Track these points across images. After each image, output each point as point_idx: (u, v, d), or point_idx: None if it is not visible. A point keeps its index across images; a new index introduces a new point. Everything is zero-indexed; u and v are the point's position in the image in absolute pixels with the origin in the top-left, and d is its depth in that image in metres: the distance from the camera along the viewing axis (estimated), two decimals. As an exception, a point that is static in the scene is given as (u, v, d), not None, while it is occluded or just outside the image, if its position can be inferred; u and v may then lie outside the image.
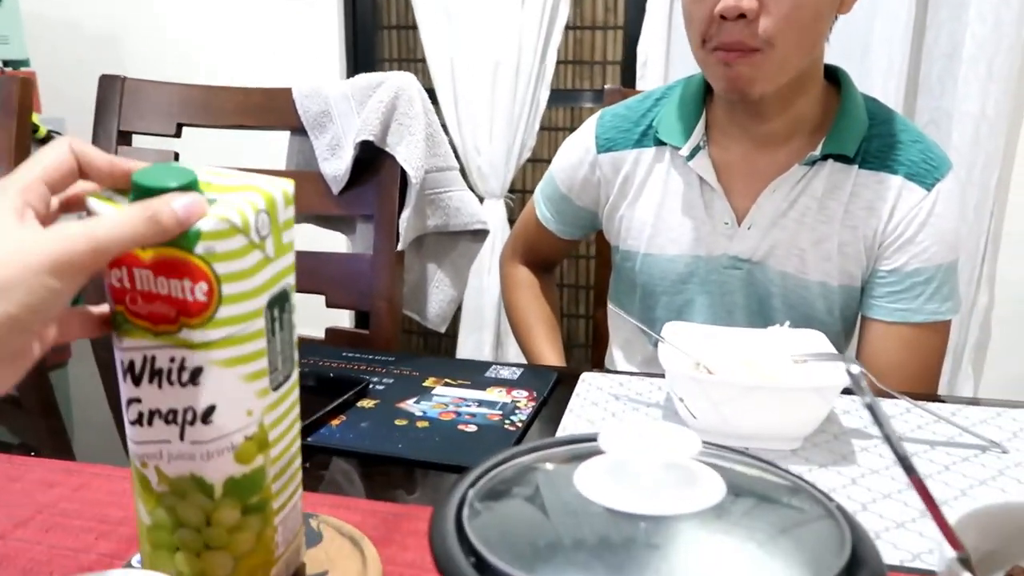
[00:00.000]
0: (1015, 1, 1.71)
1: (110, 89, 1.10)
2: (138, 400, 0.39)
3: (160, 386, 0.39)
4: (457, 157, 2.09)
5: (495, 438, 0.68)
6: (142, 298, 0.38)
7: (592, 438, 0.37)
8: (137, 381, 0.39)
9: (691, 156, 0.92)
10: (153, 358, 0.38)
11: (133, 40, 2.37)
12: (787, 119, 0.89)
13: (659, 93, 0.99)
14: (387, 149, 0.98)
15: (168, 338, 0.38)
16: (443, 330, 1.10)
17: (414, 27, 2.12)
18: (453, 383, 0.81)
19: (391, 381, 0.82)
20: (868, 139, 0.89)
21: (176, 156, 1.11)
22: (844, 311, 0.94)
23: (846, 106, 0.89)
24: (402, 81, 0.97)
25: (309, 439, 0.67)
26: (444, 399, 0.77)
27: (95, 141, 1.10)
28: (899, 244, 0.88)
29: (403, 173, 0.98)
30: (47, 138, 1.82)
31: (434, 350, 2.58)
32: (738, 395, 0.64)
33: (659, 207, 0.96)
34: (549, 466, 0.38)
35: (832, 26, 0.86)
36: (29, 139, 1.09)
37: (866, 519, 0.56)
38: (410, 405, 0.75)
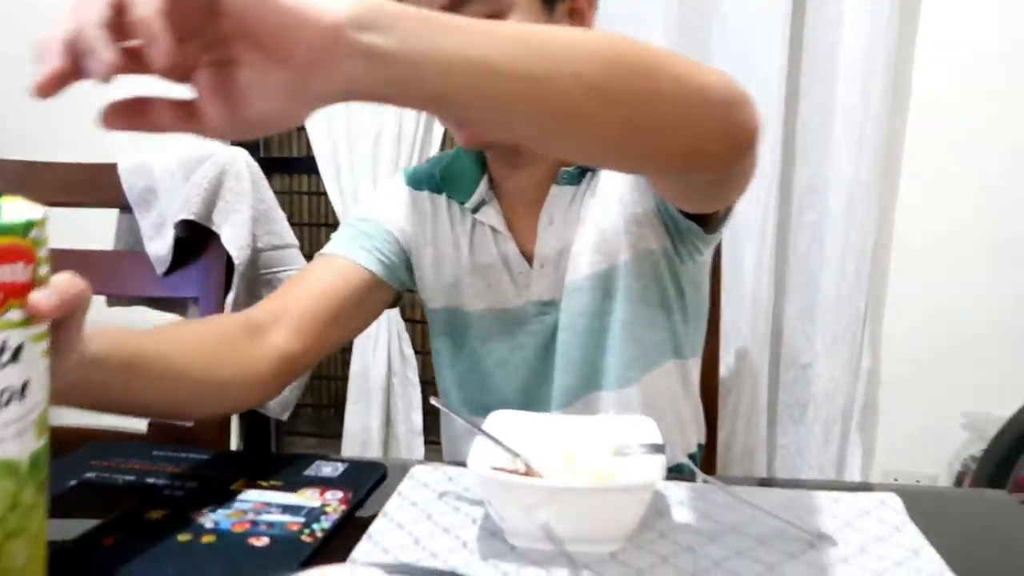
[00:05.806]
0: (879, 72, 1.78)
1: (-83, 164, 1.02)
2: None
3: None
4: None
5: (284, 554, 0.61)
6: None
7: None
8: None
9: (476, 209, 0.93)
10: None
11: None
12: (548, 160, 0.90)
13: (455, 152, 0.99)
14: (212, 228, 0.92)
15: None
16: (285, 418, 1.02)
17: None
18: (265, 484, 0.73)
19: (195, 485, 0.73)
20: None
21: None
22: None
23: None
24: (229, 156, 0.92)
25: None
26: (246, 505, 0.69)
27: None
28: None
29: (233, 252, 0.92)
30: None
31: (324, 423, 2.47)
32: (545, 498, 0.59)
33: (454, 261, 0.95)
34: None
35: None
36: None
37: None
38: (203, 515, 0.67)
